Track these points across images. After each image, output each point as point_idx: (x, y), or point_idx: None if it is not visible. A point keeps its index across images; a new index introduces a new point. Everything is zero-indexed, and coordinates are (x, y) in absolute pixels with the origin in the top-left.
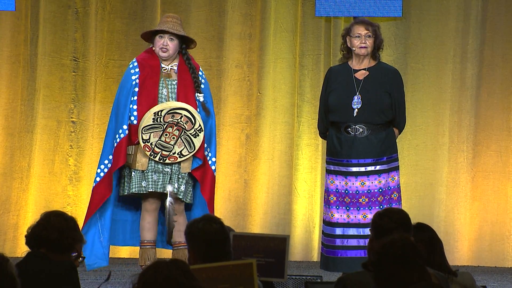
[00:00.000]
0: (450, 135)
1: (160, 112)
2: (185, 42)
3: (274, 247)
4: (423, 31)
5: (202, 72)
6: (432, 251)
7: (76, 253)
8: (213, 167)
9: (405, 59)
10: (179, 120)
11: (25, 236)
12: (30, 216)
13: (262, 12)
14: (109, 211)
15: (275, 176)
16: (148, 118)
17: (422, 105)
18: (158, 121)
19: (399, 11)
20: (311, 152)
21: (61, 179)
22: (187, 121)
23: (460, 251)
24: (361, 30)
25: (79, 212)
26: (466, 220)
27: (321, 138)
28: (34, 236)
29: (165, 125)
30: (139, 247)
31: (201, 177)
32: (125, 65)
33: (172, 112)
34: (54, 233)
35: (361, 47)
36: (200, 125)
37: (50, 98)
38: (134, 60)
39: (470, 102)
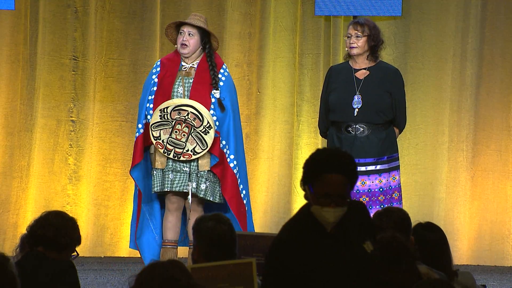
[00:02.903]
0: (449, 134)
1: (165, 109)
2: (209, 41)
3: None
4: (422, 30)
5: (224, 70)
6: (441, 252)
7: (75, 254)
8: (231, 165)
9: (405, 58)
10: (186, 117)
11: (24, 234)
12: (29, 215)
13: (262, 11)
14: (158, 209)
15: (275, 175)
16: (155, 115)
17: (422, 104)
18: (165, 118)
19: (399, 10)
20: (310, 151)
21: (61, 178)
22: (194, 118)
23: (460, 250)
24: (351, 30)
25: (78, 211)
26: (465, 219)
27: (322, 137)
28: (31, 234)
29: (173, 122)
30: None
31: (221, 176)
32: (125, 64)
33: (178, 109)
34: (51, 231)
35: (351, 47)
36: (208, 122)
37: (49, 97)
38: (158, 60)
39: (470, 101)
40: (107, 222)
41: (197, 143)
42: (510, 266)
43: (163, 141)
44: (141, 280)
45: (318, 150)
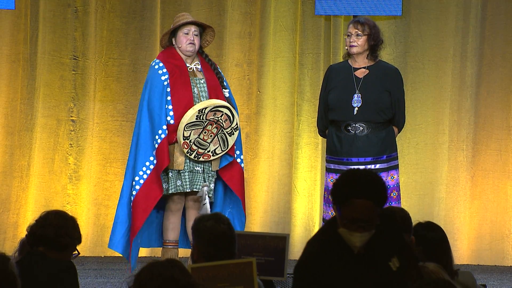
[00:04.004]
0: (450, 134)
1: (204, 109)
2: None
3: (274, 246)
4: (422, 30)
5: (219, 69)
6: (441, 251)
7: (76, 253)
8: (242, 165)
9: (405, 58)
10: (219, 118)
11: (24, 238)
12: (29, 215)
13: (262, 11)
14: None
15: (275, 175)
16: (192, 116)
17: (422, 103)
18: (201, 118)
19: (399, 10)
20: (310, 150)
21: (61, 178)
22: (226, 119)
23: (460, 249)
24: (351, 29)
25: (78, 211)
26: (465, 219)
27: (320, 136)
28: (31, 234)
29: (206, 123)
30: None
31: (230, 175)
32: (125, 64)
33: (215, 109)
34: (51, 231)
35: (351, 46)
36: (237, 123)
37: (49, 97)
38: (158, 60)
39: (470, 101)
40: (107, 222)
41: (219, 144)
42: (510, 265)
43: (190, 141)
44: (140, 280)
45: (346, 173)
